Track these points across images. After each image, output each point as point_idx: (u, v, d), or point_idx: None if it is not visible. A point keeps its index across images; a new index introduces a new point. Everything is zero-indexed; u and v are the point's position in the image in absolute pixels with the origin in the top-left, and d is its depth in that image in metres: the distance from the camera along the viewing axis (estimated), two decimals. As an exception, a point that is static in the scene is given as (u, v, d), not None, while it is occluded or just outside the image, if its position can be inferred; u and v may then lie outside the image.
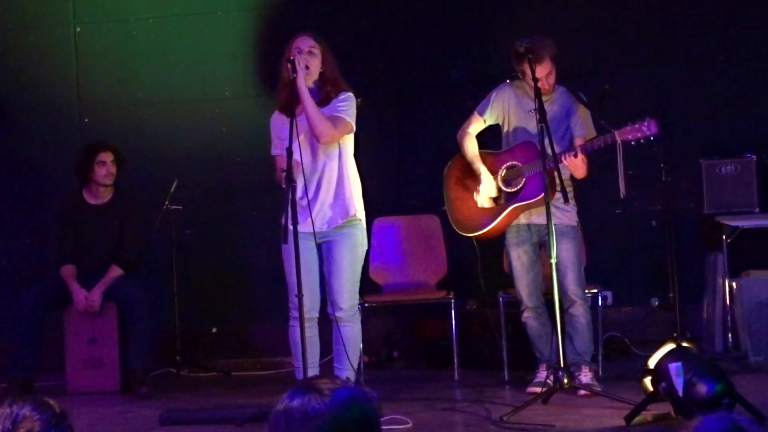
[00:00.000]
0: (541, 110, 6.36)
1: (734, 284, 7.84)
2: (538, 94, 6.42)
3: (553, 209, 6.71)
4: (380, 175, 8.72)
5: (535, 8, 8.66)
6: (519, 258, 6.98)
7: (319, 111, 6.21)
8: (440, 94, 8.82)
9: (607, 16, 8.60)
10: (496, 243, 7.72)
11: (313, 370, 6.14)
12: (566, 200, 6.53)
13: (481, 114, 7.06)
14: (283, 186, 6.22)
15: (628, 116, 6.67)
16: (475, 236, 7.14)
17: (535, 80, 6.48)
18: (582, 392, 6.59)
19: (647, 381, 5.83)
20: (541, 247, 6.99)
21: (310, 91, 6.26)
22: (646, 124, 6.53)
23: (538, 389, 6.63)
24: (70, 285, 7.75)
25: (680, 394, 5.55)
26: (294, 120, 5.96)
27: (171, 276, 8.47)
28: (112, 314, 7.84)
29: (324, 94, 6.34)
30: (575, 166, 6.69)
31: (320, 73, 6.34)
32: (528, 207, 6.86)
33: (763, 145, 8.28)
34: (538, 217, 6.85)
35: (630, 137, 6.54)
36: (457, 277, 8.20)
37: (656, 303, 8.35)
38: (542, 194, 6.54)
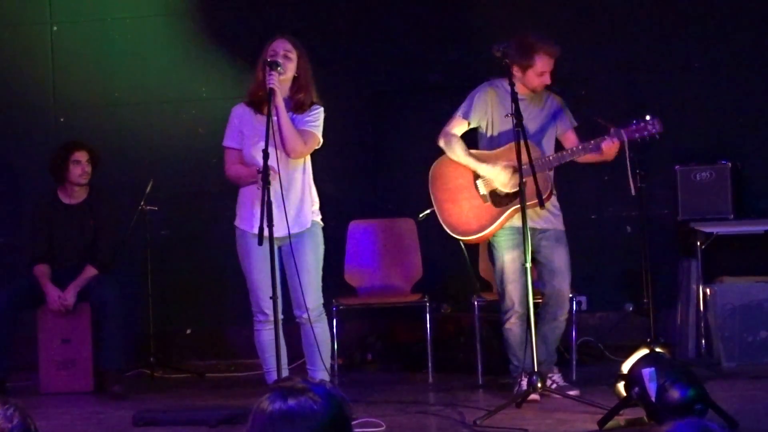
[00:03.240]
0: (517, 114, 6.37)
1: (708, 290, 7.88)
2: (514, 98, 6.41)
3: (547, 213, 6.75)
4: (356, 178, 8.73)
5: (513, 12, 8.67)
6: (513, 261, 6.79)
7: (293, 128, 6.24)
8: (417, 97, 8.83)
9: (583, 22, 8.62)
10: (472, 246, 7.75)
11: (283, 374, 6.14)
12: (542, 205, 6.54)
13: (466, 117, 6.92)
14: (234, 182, 6.29)
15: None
16: (470, 240, 7.03)
17: (512, 84, 6.48)
18: (572, 392, 6.65)
19: (620, 386, 5.86)
20: (537, 253, 6.90)
21: (284, 99, 6.27)
22: (651, 122, 6.63)
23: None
24: (43, 284, 7.73)
25: (653, 399, 5.57)
26: (270, 122, 5.96)
27: (145, 277, 8.45)
28: (85, 314, 7.82)
29: (296, 102, 6.35)
30: (614, 151, 6.69)
31: (294, 77, 6.35)
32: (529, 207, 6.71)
33: (738, 151, 8.33)
34: (533, 221, 6.79)
35: (636, 136, 6.64)
36: (432, 280, 8.21)
37: (630, 308, 8.38)
38: (547, 193, 6.62)
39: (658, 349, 6.00)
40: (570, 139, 6.95)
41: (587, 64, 8.61)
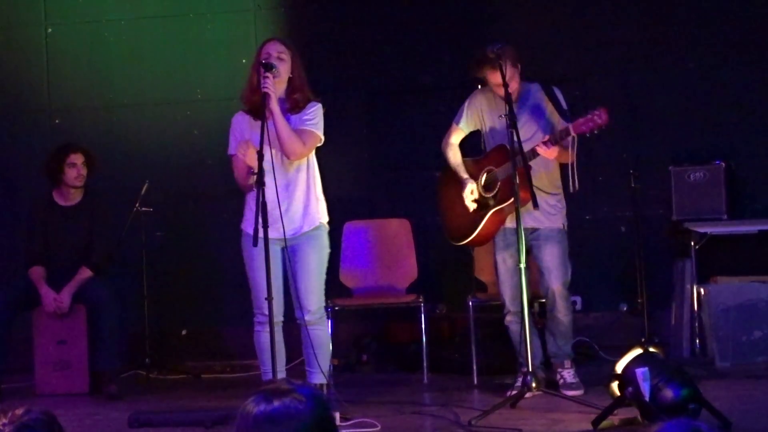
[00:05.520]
0: (511, 115, 6.40)
1: (702, 290, 7.90)
2: (509, 99, 6.45)
3: (538, 212, 6.76)
4: (351, 179, 8.74)
5: (506, 14, 8.70)
6: (504, 262, 6.93)
7: (290, 129, 6.21)
8: (411, 98, 8.84)
9: (577, 23, 8.64)
10: (466, 247, 7.76)
11: (280, 375, 6.15)
12: (535, 206, 6.52)
13: (458, 124, 7.07)
14: (243, 188, 6.26)
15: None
16: (463, 244, 7.15)
17: (506, 85, 6.50)
18: (568, 392, 6.69)
19: (614, 386, 5.87)
20: (529, 252, 6.98)
21: (279, 100, 6.27)
22: (597, 113, 6.54)
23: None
24: (39, 286, 7.73)
25: (647, 398, 5.58)
26: (265, 124, 5.96)
27: (141, 278, 8.45)
28: (81, 316, 7.82)
29: (292, 102, 6.34)
30: (552, 156, 6.68)
31: (289, 78, 6.35)
32: (504, 211, 6.82)
33: (732, 152, 8.34)
34: (524, 222, 6.84)
35: (584, 128, 6.56)
36: (427, 281, 8.22)
37: (624, 308, 8.39)
38: (511, 199, 6.59)
39: (651, 349, 5.99)
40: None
41: (581, 64, 8.62)
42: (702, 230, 7.94)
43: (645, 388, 5.58)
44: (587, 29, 8.63)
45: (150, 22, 9.15)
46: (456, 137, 7.11)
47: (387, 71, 8.89)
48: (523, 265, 6.36)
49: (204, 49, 9.07)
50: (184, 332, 9.00)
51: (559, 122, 6.88)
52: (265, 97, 6.10)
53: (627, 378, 5.72)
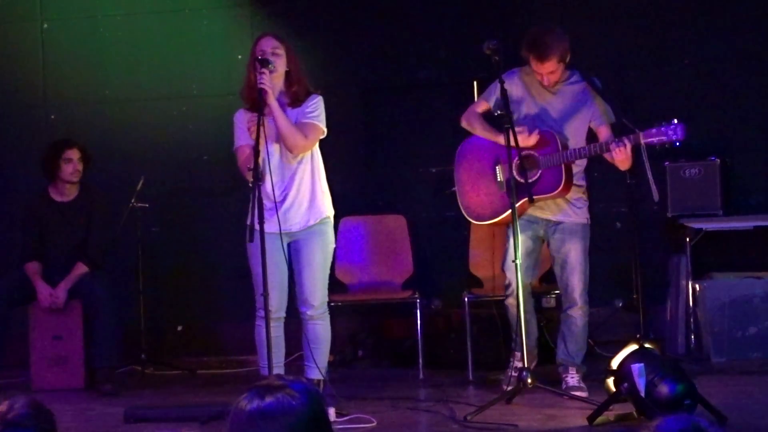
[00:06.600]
0: (507, 111, 6.37)
1: (697, 286, 7.91)
2: (503, 93, 6.41)
3: (566, 205, 6.72)
4: (347, 174, 8.72)
5: (505, 11, 8.69)
6: (521, 244, 6.63)
7: (290, 124, 6.21)
8: (407, 94, 8.83)
9: (574, 20, 8.63)
10: (462, 243, 7.77)
11: (278, 370, 6.15)
12: (531, 200, 6.49)
13: (488, 100, 6.84)
14: (248, 178, 6.24)
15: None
16: (482, 224, 7.05)
17: (501, 81, 6.47)
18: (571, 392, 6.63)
19: (610, 381, 5.88)
20: (547, 245, 6.92)
21: (278, 94, 6.27)
22: (672, 128, 6.33)
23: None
24: (35, 282, 7.73)
25: (642, 394, 5.59)
26: (262, 119, 5.95)
27: (137, 273, 8.46)
28: (77, 311, 7.82)
29: (292, 95, 6.34)
30: (623, 158, 6.47)
31: (286, 72, 6.35)
32: (541, 200, 6.65)
33: (727, 148, 8.35)
34: (546, 211, 6.78)
35: (655, 140, 6.36)
36: (423, 277, 8.22)
37: (620, 304, 8.39)
38: (559, 189, 6.56)
39: (647, 345, 6.01)
40: (602, 134, 6.76)
41: (578, 61, 8.60)
42: (697, 226, 7.95)
43: (640, 384, 5.59)
44: (583, 26, 8.61)
45: (145, 18, 9.14)
46: (482, 110, 6.89)
47: (383, 67, 8.88)
48: (519, 260, 6.33)
49: (200, 45, 9.06)
50: (179, 328, 9.00)
51: (604, 113, 6.77)
52: (262, 93, 6.09)
53: (622, 374, 5.73)
